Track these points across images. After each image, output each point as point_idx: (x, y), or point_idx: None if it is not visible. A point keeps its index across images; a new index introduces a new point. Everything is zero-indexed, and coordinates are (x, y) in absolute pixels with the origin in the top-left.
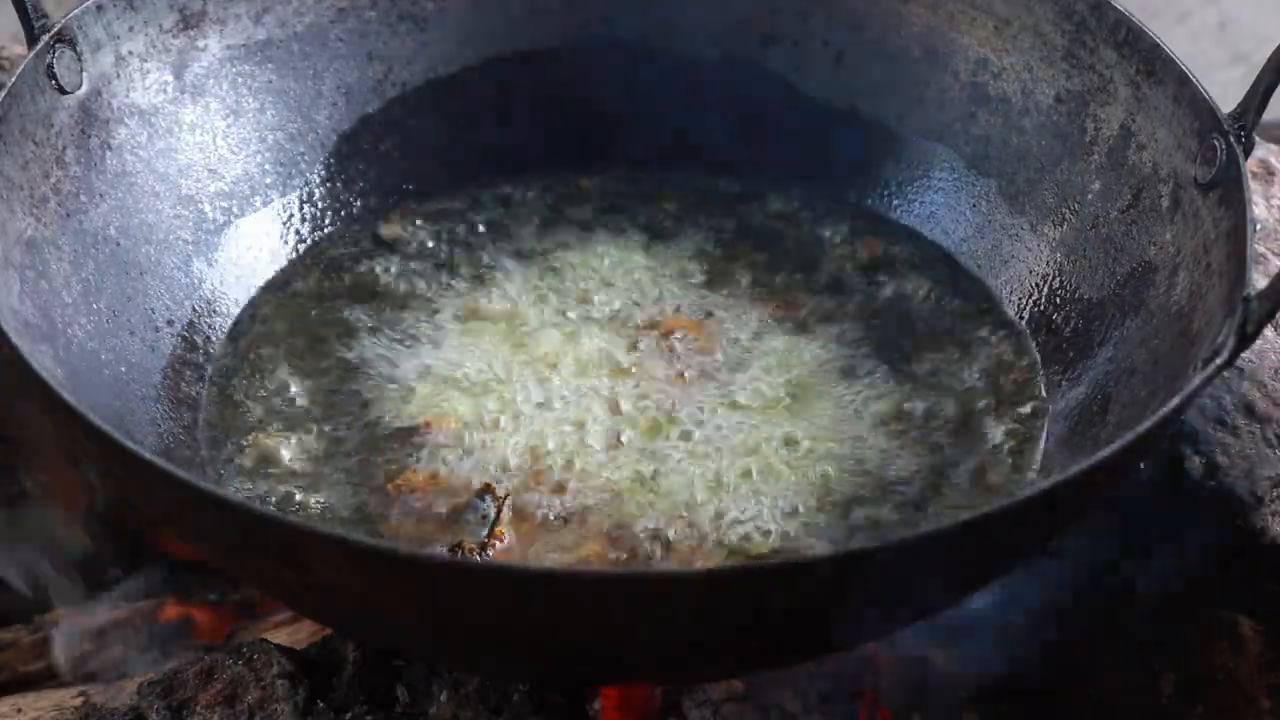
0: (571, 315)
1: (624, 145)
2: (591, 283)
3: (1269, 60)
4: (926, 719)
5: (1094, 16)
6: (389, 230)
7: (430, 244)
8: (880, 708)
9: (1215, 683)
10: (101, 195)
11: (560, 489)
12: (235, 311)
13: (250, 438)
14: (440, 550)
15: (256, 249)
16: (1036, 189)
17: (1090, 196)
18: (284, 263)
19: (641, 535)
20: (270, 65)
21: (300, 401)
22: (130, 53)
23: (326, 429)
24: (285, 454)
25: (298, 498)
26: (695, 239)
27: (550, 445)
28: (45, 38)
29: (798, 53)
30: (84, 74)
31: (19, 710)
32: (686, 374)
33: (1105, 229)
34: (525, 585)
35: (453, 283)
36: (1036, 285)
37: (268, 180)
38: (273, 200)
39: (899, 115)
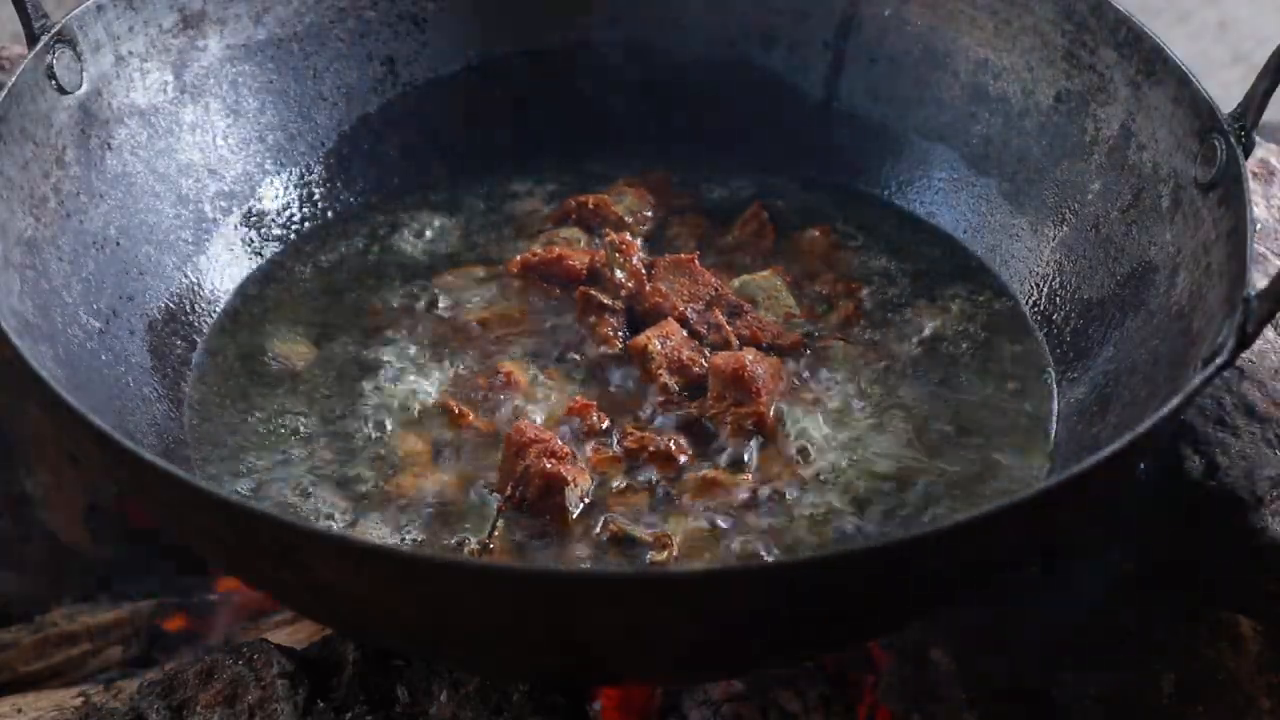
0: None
1: (624, 145)
2: None
3: (1269, 60)
4: (926, 719)
5: (1094, 16)
6: (389, 230)
7: (430, 243)
8: (880, 708)
9: (1215, 683)
10: (101, 195)
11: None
12: (236, 311)
13: (250, 436)
14: (440, 550)
15: (257, 249)
16: (1036, 189)
17: (1090, 196)
18: (284, 262)
19: None
20: (270, 65)
21: (300, 399)
22: (130, 53)
23: (326, 427)
24: (285, 452)
25: (298, 496)
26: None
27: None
28: (45, 38)
29: (797, 53)
30: (84, 74)
31: (19, 710)
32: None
33: (1105, 229)
34: (525, 585)
35: (452, 282)
36: (1036, 285)
37: (268, 180)
38: (273, 200)
39: (899, 115)
